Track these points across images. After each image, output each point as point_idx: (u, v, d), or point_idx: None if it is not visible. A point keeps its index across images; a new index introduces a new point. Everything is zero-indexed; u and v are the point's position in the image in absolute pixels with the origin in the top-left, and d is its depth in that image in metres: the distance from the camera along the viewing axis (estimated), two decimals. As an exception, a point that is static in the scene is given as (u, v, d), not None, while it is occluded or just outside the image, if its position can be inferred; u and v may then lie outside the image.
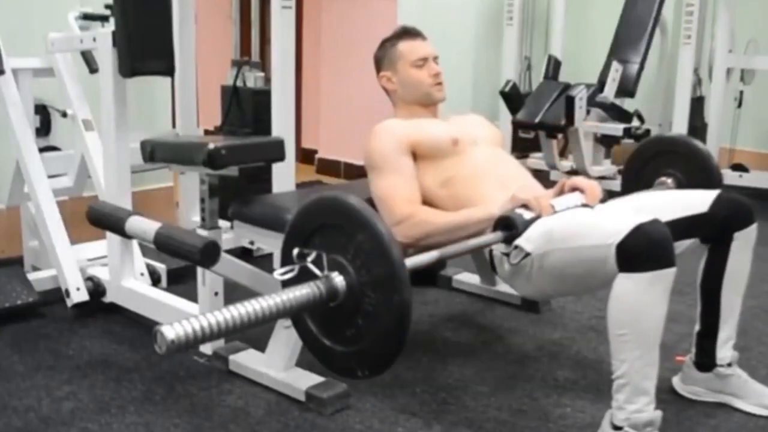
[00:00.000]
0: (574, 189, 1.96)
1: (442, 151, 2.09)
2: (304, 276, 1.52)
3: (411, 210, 2.01)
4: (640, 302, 1.60)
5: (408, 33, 2.24)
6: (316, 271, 1.51)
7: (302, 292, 1.46)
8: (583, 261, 1.70)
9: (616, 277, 1.62)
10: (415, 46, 2.21)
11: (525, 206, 1.85)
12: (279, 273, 1.57)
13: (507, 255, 1.86)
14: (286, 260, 1.61)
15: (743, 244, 1.90)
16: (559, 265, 1.77)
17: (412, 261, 1.59)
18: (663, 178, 2.25)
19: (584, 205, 1.92)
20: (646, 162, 2.27)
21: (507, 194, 1.91)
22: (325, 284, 1.48)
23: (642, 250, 1.58)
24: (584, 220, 1.80)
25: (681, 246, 1.87)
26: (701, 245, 1.95)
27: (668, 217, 1.79)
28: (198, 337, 1.30)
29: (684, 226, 1.84)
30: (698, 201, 1.91)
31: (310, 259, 1.53)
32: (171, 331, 1.27)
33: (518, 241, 1.81)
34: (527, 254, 1.79)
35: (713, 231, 1.91)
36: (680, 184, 2.23)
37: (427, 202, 2.10)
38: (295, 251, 1.56)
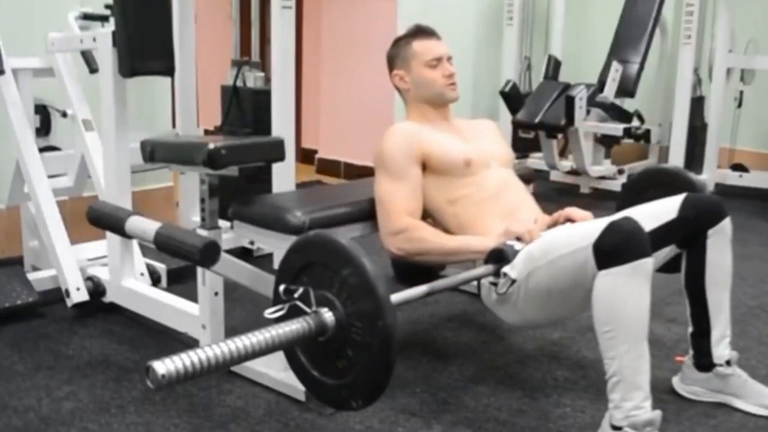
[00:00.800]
0: (567, 220, 2.00)
1: (453, 169, 2.09)
2: (294, 314, 1.55)
3: (408, 223, 2.02)
4: (621, 295, 1.62)
5: (423, 32, 2.24)
6: (305, 308, 1.55)
7: (293, 327, 1.49)
8: (565, 270, 1.74)
9: (596, 276, 1.64)
10: (429, 46, 2.20)
11: (519, 239, 1.89)
12: (269, 312, 1.61)
13: (494, 285, 1.89)
14: (276, 300, 1.65)
15: (719, 239, 1.91)
16: (544, 282, 1.79)
17: (399, 296, 1.65)
18: None
19: None
20: (642, 192, 2.26)
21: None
22: (314, 320, 1.52)
23: (617, 243, 1.62)
24: (558, 233, 1.85)
25: (659, 255, 1.87)
26: (679, 250, 1.95)
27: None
28: (189, 373, 1.32)
29: (658, 236, 1.84)
30: (666, 208, 1.91)
31: (297, 295, 1.57)
32: (162, 367, 1.28)
33: (504, 269, 1.85)
34: (513, 281, 1.83)
35: (687, 234, 1.91)
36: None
37: (429, 213, 2.11)
38: (282, 287, 1.60)
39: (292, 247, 1.69)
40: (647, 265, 1.63)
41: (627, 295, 1.62)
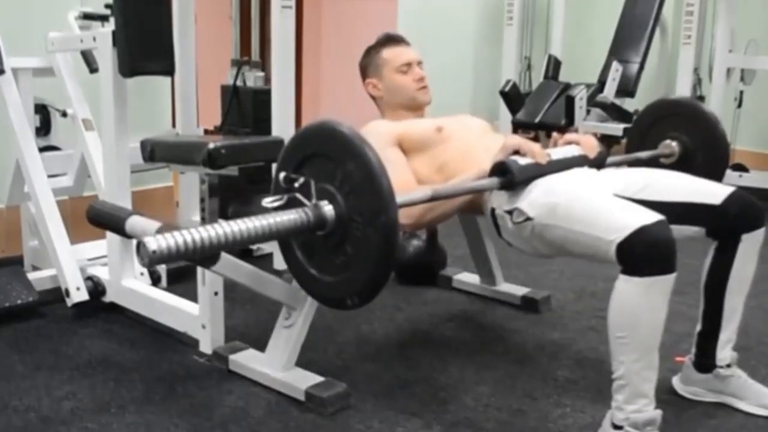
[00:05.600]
0: (568, 144, 1.99)
1: (428, 140, 2.12)
2: (293, 206, 1.50)
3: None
4: (639, 307, 1.60)
5: (391, 39, 2.30)
6: (304, 201, 1.49)
7: (290, 216, 1.44)
8: (584, 246, 1.70)
9: (618, 278, 1.62)
10: (398, 52, 2.26)
11: (518, 153, 1.87)
12: (267, 201, 1.55)
13: (510, 213, 1.85)
14: (276, 190, 1.59)
15: (750, 246, 1.89)
16: (560, 241, 1.77)
17: (401, 198, 1.56)
18: (668, 141, 2.24)
19: (582, 157, 1.94)
20: (651, 124, 2.24)
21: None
22: (313, 212, 1.47)
23: (643, 254, 1.57)
24: (591, 202, 1.74)
25: (684, 231, 1.85)
26: (706, 239, 1.92)
27: (676, 198, 1.80)
28: (180, 251, 1.29)
29: (691, 211, 1.83)
30: (710, 191, 1.89)
31: (297, 184, 1.51)
32: (153, 243, 1.27)
33: (521, 204, 1.81)
34: (529, 218, 1.79)
35: (721, 226, 1.89)
36: (685, 147, 2.21)
37: None
38: (282, 175, 1.54)
39: (295, 136, 1.62)
40: (669, 281, 1.59)
41: (646, 306, 1.59)
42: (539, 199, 1.80)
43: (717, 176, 2.10)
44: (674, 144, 2.23)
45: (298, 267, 1.61)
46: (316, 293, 1.62)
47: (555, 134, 2.02)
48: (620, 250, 1.59)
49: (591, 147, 1.99)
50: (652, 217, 1.60)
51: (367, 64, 2.31)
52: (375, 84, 2.28)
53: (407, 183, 2.04)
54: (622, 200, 1.76)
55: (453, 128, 2.15)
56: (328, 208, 1.48)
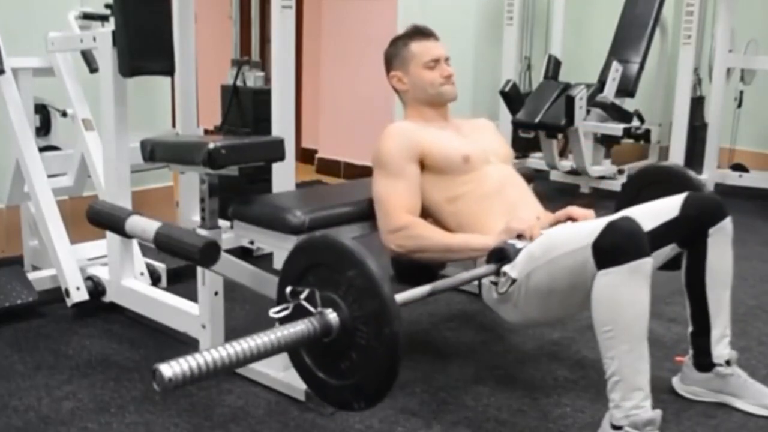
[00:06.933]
0: (569, 219, 2.00)
1: (451, 167, 2.09)
2: (298, 314, 1.55)
3: (408, 221, 2.02)
4: (620, 295, 1.62)
5: (421, 33, 2.24)
6: (310, 308, 1.54)
7: (297, 328, 1.49)
8: (565, 269, 1.73)
9: (596, 275, 1.64)
10: (427, 47, 2.20)
11: (520, 236, 1.88)
12: (274, 312, 1.60)
13: (495, 284, 1.89)
14: (281, 300, 1.65)
15: (720, 238, 1.91)
16: (544, 282, 1.79)
17: (402, 296, 1.64)
18: None
19: None
20: (640, 190, 2.25)
21: None
22: (319, 320, 1.52)
23: (616, 243, 1.62)
24: (559, 232, 1.84)
25: (662, 254, 1.88)
26: (680, 249, 1.95)
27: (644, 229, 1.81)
28: (196, 376, 1.32)
29: (659, 235, 1.85)
30: (668, 207, 1.92)
31: (303, 296, 1.56)
32: (169, 370, 1.28)
33: (505, 268, 1.84)
34: (513, 280, 1.82)
35: (688, 232, 1.91)
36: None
37: (428, 213, 2.10)
38: (288, 289, 1.60)
39: (296, 248, 1.68)
40: (647, 265, 1.62)
41: (626, 295, 1.62)
42: (519, 259, 1.84)
43: None
44: None
45: (306, 370, 1.66)
46: (323, 395, 1.67)
47: (559, 212, 2.03)
48: (596, 247, 1.64)
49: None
50: (618, 215, 1.69)
51: (393, 56, 2.23)
52: (400, 77, 2.22)
53: (413, 209, 2.05)
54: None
55: (478, 160, 2.11)
56: (332, 316, 1.53)
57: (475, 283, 2.77)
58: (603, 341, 1.66)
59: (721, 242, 1.91)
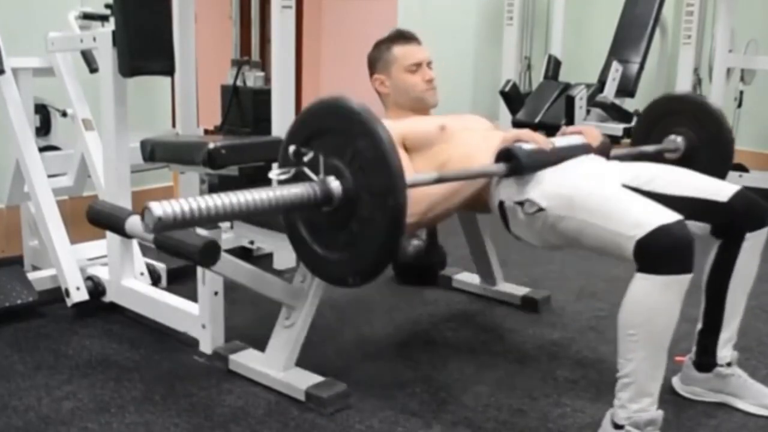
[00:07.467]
0: (572, 134, 2.00)
1: (431, 138, 2.09)
2: (301, 180, 1.48)
3: (407, 192, 2.00)
4: (655, 304, 1.59)
5: (403, 36, 2.26)
6: (312, 176, 1.47)
7: (296, 190, 1.42)
8: (600, 240, 1.69)
9: (634, 276, 1.61)
10: (410, 51, 2.22)
11: (519, 141, 1.87)
12: (274, 173, 1.54)
13: (521, 204, 1.84)
14: (284, 162, 1.57)
15: (754, 245, 1.89)
16: (574, 234, 1.76)
17: (411, 178, 1.56)
18: (673, 136, 2.24)
19: (586, 145, 1.95)
20: (658, 119, 2.23)
21: None
22: (320, 187, 1.45)
23: (662, 252, 1.57)
24: (609, 195, 1.74)
25: (689, 227, 1.84)
26: (708, 237, 1.92)
27: (683, 192, 1.80)
28: (186, 218, 1.28)
29: (697, 207, 1.83)
30: (717, 188, 1.90)
31: (306, 159, 1.49)
32: (159, 209, 1.26)
33: (532, 195, 1.81)
34: (541, 209, 1.79)
35: (726, 223, 1.89)
36: (690, 143, 2.22)
37: (425, 191, 2.09)
38: (291, 148, 1.52)
39: (307, 109, 1.59)
40: (686, 281, 1.58)
41: (661, 305, 1.59)
42: (552, 189, 1.79)
43: (720, 174, 2.09)
44: (679, 139, 2.23)
45: (302, 243, 1.59)
46: (317, 270, 1.60)
47: (562, 129, 2.02)
48: (639, 247, 1.58)
49: (594, 137, 1.99)
50: (671, 216, 1.60)
51: (376, 59, 2.26)
52: (382, 81, 2.24)
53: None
54: (638, 195, 1.75)
55: (456, 127, 2.12)
56: (335, 184, 1.46)
57: (475, 282, 2.78)
58: (624, 342, 1.64)
59: (754, 249, 1.89)
